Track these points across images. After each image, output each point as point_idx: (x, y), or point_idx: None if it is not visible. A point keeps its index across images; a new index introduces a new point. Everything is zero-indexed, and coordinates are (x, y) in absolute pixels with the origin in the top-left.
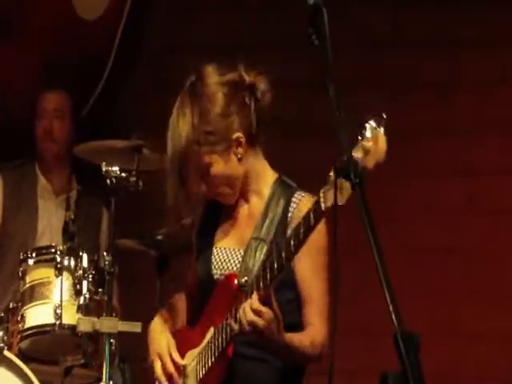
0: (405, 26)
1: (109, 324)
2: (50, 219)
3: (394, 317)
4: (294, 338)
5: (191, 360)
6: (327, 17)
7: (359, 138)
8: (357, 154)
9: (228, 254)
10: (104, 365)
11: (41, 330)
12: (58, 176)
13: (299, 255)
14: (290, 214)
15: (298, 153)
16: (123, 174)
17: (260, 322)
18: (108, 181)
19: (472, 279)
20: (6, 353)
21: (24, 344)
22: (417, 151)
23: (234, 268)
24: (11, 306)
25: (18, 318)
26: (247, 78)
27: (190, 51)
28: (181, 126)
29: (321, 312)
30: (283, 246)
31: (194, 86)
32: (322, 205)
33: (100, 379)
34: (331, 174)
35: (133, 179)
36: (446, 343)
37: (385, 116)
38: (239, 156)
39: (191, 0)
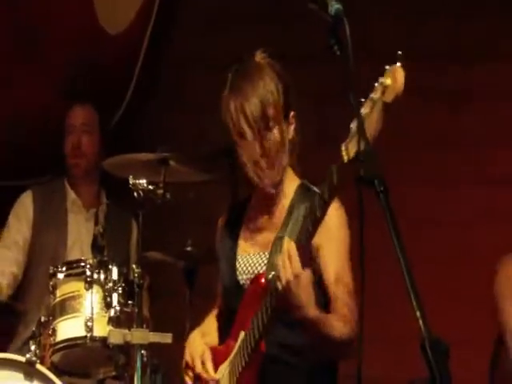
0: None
1: (140, 335)
2: (80, 233)
3: (421, 323)
4: (327, 315)
5: (224, 371)
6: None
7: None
8: (376, 93)
9: (253, 258)
10: (135, 376)
11: (72, 343)
12: (87, 190)
13: (323, 245)
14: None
15: None
16: (150, 187)
17: (296, 267)
18: (135, 193)
19: None
20: (39, 366)
21: (56, 357)
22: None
23: (261, 271)
24: (43, 319)
25: (50, 332)
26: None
27: (215, 64)
28: (266, 95)
29: (350, 292)
30: (315, 204)
31: (267, 63)
32: (345, 158)
33: None
34: (352, 125)
35: (160, 191)
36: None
37: (400, 52)
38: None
39: (216, 12)
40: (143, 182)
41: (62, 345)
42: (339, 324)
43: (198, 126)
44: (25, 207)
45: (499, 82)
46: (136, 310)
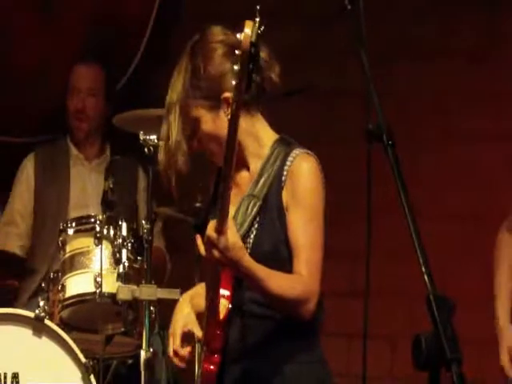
0: None
1: (148, 291)
2: (85, 185)
3: (426, 278)
4: (272, 272)
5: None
6: None
7: None
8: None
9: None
10: (144, 332)
11: (81, 299)
12: (91, 146)
13: (290, 208)
14: (284, 172)
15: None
16: (161, 143)
17: (213, 250)
18: (146, 149)
19: None
20: (48, 322)
21: (65, 313)
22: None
23: None
24: (51, 275)
25: (59, 288)
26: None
27: (227, 21)
28: (175, 81)
29: (308, 262)
30: None
31: (195, 44)
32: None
33: (140, 347)
34: None
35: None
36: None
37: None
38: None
39: None
40: (154, 137)
41: (70, 301)
42: (286, 282)
43: None
44: (26, 171)
45: None
46: (145, 266)
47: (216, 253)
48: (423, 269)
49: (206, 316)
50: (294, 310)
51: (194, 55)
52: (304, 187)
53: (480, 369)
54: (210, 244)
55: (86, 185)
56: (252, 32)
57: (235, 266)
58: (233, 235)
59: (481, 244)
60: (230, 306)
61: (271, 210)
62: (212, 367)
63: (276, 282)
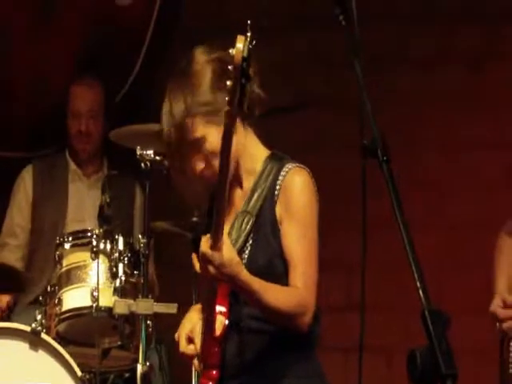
0: None
1: (145, 306)
2: (82, 201)
3: (421, 293)
4: (269, 285)
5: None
6: None
7: None
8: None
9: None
10: (140, 346)
11: (78, 313)
12: (90, 163)
13: (284, 222)
14: (277, 186)
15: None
16: (157, 158)
17: (209, 266)
18: (142, 164)
19: None
20: (44, 336)
21: (61, 327)
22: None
23: None
24: (48, 289)
25: (56, 301)
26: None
27: (227, 30)
28: (173, 105)
29: (303, 275)
30: None
31: (184, 68)
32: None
33: (137, 360)
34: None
35: (167, 162)
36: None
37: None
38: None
39: None
40: (150, 152)
41: (67, 314)
42: (283, 295)
43: None
44: (24, 183)
45: None
46: (141, 281)
47: (211, 269)
48: (418, 284)
49: (203, 333)
50: (290, 323)
51: (186, 78)
52: (297, 200)
53: (477, 380)
54: (205, 261)
55: (84, 200)
56: (244, 47)
57: (232, 280)
58: (229, 251)
59: (479, 252)
60: (227, 322)
61: (265, 225)
62: (210, 382)
63: (273, 294)
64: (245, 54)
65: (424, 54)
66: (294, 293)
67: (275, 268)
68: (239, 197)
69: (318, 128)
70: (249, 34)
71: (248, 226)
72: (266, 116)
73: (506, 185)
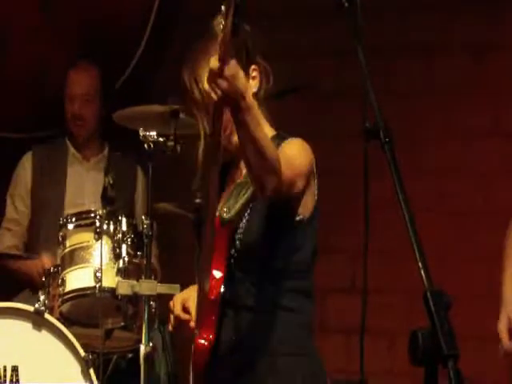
0: None
1: (148, 286)
2: (82, 184)
3: (423, 274)
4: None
5: None
6: None
7: None
8: None
9: None
10: (144, 327)
11: (81, 294)
12: (89, 146)
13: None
14: None
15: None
16: (161, 139)
17: (220, 81)
18: (145, 146)
19: None
20: (48, 316)
21: (65, 307)
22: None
23: None
24: (52, 270)
25: (59, 282)
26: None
27: None
28: (212, 51)
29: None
30: None
31: (206, 38)
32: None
33: (140, 341)
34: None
35: (170, 144)
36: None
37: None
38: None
39: None
40: (153, 134)
41: (70, 295)
42: (270, 142)
43: None
44: (24, 170)
45: None
46: (144, 262)
47: (223, 83)
48: (420, 264)
49: (198, 302)
50: (263, 174)
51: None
52: (288, 147)
53: (479, 364)
54: (215, 74)
55: (83, 183)
56: None
57: (240, 98)
58: (236, 65)
59: (479, 240)
60: (223, 288)
61: None
62: (205, 342)
63: (264, 133)
64: None
65: (424, 42)
66: (277, 151)
67: (283, 239)
68: (242, 174)
69: (320, 114)
70: None
71: (246, 195)
72: (277, 97)
73: (506, 174)
